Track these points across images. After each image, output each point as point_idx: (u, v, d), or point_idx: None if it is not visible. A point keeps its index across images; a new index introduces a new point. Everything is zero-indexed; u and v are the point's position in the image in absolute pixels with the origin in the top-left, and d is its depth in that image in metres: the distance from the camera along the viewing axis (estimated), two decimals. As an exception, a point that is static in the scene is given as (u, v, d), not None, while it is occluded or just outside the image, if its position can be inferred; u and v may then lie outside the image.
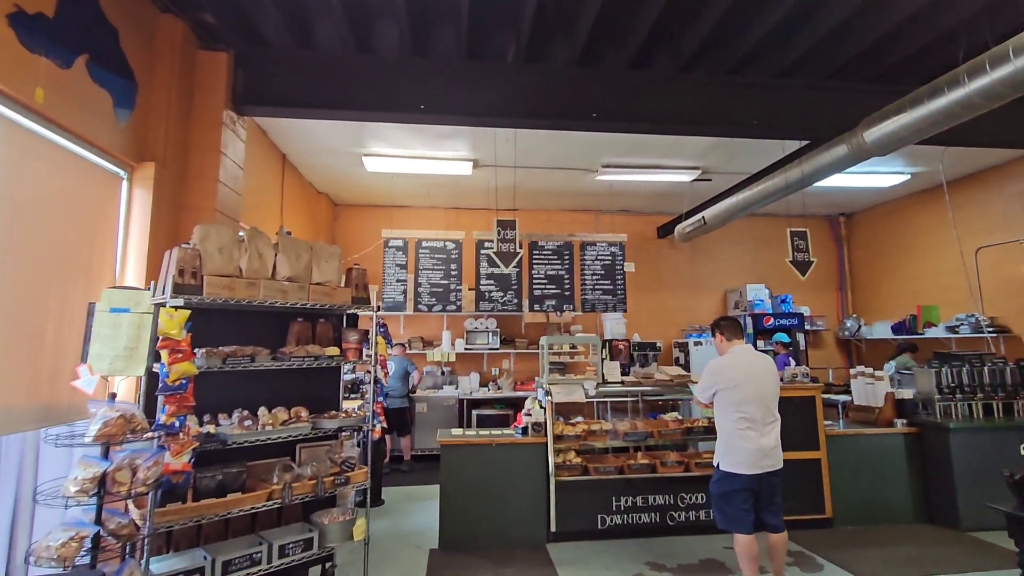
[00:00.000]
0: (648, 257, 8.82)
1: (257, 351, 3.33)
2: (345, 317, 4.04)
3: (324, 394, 3.86)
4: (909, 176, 7.08)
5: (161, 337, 2.81)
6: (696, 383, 4.75)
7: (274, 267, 3.48)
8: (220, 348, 3.26)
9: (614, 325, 7.99)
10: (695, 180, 6.98)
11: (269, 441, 3.29)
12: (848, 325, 8.51)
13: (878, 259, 8.59)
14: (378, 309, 4.00)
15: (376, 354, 3.89)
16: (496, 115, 4.32)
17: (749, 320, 8.07)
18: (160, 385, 2.81)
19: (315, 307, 3.52)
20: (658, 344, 7.91)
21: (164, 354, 2.82)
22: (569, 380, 4.90)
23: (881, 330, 7.99)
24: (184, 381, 2.86)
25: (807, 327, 8.31)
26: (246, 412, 3.50)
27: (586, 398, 4.82)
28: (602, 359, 5.14)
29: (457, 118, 4.33)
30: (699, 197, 7.55)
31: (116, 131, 3.34)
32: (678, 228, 7.45)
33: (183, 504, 2.93)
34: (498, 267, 6.64)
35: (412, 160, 6.24)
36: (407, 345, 7.14)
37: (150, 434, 2.79)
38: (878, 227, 8.58)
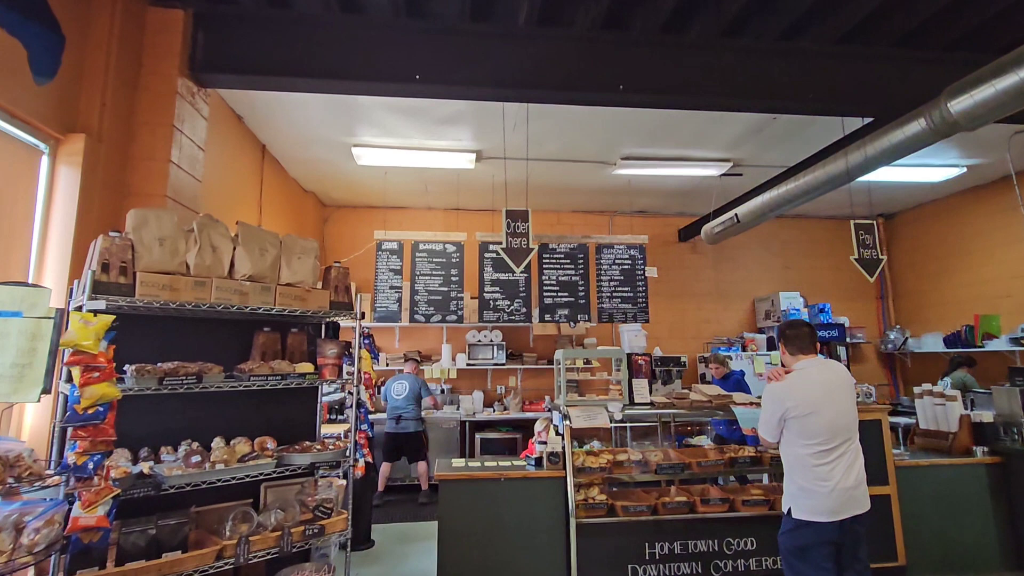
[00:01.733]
0: (669, 263, 8.39)
1: (206, 368, 2.73)
2: (324, 326, 3.53)
3: (297, 420, 3.34)
4: (964, 169, 6.50)
5: (71, 350, 2.17)
6: (741, 405, 4.32)
7: (232, 263, 2.90)
8: (159, 365, 2.65)
9: (633, 338, 7.49)
10: (724, 175, 6.55)
11: (222, 483, 2.66)
12: (892, 337, 8.03)
13: (924, 265, 8.09)
14: (362, 316, 3.42)
15: (359, 371, 3.34)
16: (504, 86, 3.77)
17: None
18: (68, 413, 2.17)
19: (284, 313, 3.00)
20: (682, 359, 7.40)
21: (75, 372, 2.19)
22: (591, 401, 4.38)
23: (931, 343, 7.44)
24: (102, 408, 2.22)
25: (847, 339, 7.82)
26: (196, 445, 2.92)
27: (611, 422, 4.22)
28: (629, 377, 4.49)
29: (458, 89, 3.78)
30: (727, 195, 7.12)
31: (33, 93, 2.76)
32: (706, 228, 6.95)
33: (100, 570, 2.28)
34: (504, 272, 6.20)
35: (408, 152, 5.84)
36: (418, 361, 6.76)
37: (55, 479, 2.14)
38: (924, 229, 8.09)
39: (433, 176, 6.73)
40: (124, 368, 2.54)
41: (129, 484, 2.44)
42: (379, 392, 7.26)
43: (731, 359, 7.48)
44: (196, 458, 2.77)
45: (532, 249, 4.15)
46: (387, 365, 7.46)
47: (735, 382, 5.59)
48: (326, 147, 5.84)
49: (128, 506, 2.54)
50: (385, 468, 6.22)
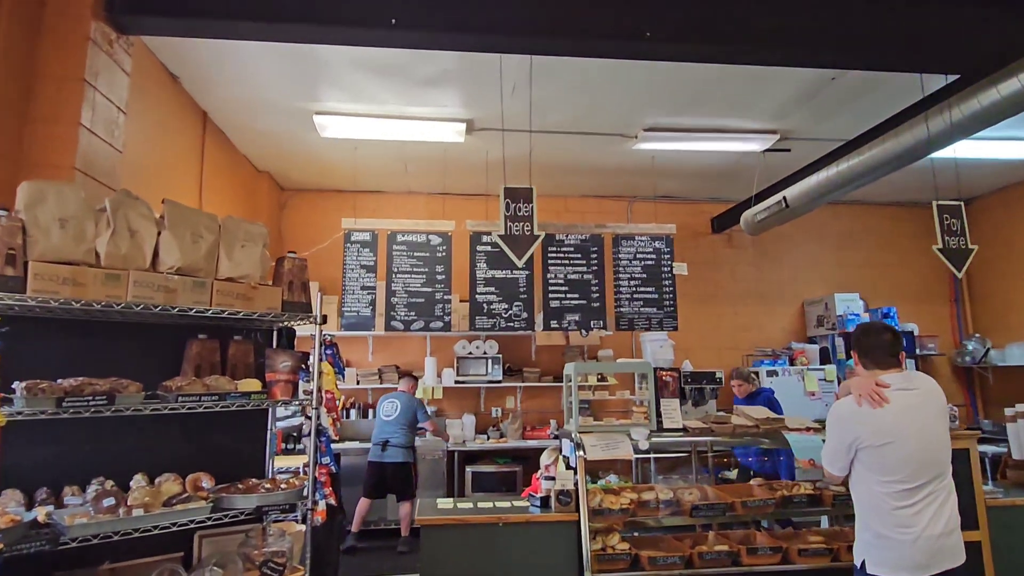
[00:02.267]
0: (700, 258, 8.32)
1: (120, 386, 2.54)
2: (275, 334, 3.39)
3: (241, 452, 3.19)
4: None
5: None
6: (795, 431, 4.19)
7: (156, 252, 2.75)
8: (58, 382, 2.46)
9: (657, 349, 7.45)
10: (769, 150, 6.48)
11: (144, 533, 2.48)
12: (970, 348, 7.96)
13: (1008, 261, 8.00)
14: (324, 321, 3.26)
15: (319, 390, 3.17)
16: (502, 33, 3.63)
17: (841, 341, 7.61)
18: (-67, 446, 1.97)
19: (224, 316, 2.84)
20: (717, 375, 7.36)
21: (-57, 392, 1.98)
22: (610, 427, 4.21)
23: (1018, 355, 7.43)
24: (-22, 438, 2.01)
25: (917, 351, 7.78)
26: (111, 484, 2.75)
27: (635, 453, 4.07)
28: (656, 396, 4.38)
29: (444, 37, 3.64)
30: (772, 175, 7.00)
31: None
32: (746, 215, 6.87)
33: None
34: (501, 269, 6.13)
35: (382, 121, 5.78)
36: (416, 378, 6.80)
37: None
38: (1010, 217, 7.99)
39: (414, 152, 6.69)
40: (13, 386, 2.35)
41: (18, 537, 2.24)
42: (347, 416, 7.21)
43: (776, 373, 7.45)
44: (109, 501, 2.57)
45: (538, 236, 4.04)
46: (357, 383, 7.39)
47: (765, 401, 5.58)
48: (283, 115, 5.76)
49: (18, 565, 2.34)
50: (363, 505, 6.17)
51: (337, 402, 3.47)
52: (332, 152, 6.67)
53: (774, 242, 8.55)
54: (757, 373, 7.28)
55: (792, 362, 7.69)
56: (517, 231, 4.01)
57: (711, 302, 8.38)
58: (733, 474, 5.91)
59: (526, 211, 4.04)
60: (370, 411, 7.50)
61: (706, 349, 8.16)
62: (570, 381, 4.38)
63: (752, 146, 6.37)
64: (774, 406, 5.49)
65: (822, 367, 7.48)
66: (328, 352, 3.32)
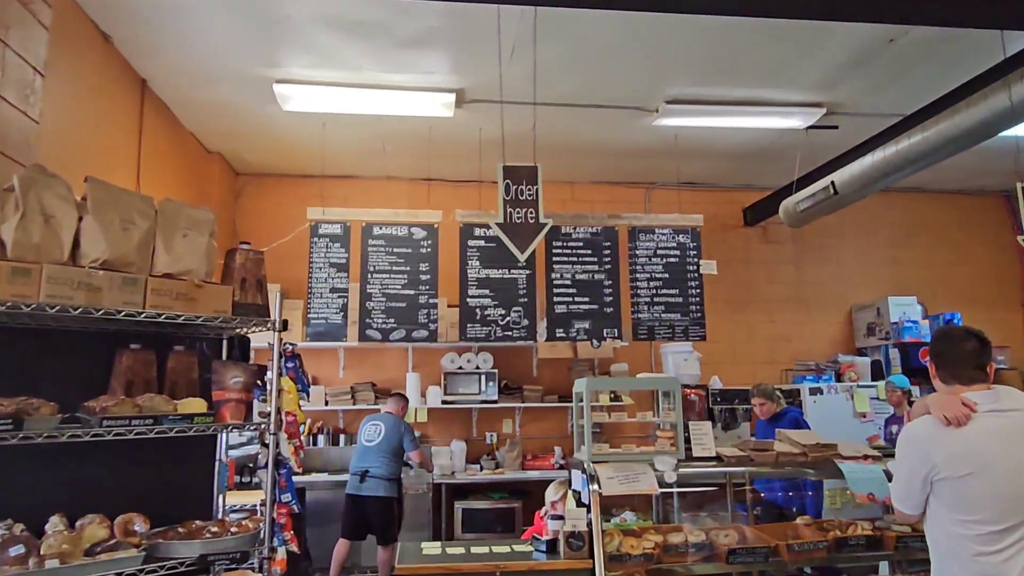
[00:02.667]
0: (730, 255, 8.27)
1: (28, 407, 2.44)
2: (225, 343, 3.36)
3: (183, 488, 3.14)
4: None
5: None
6: (851, 459, 4.15)
7: (76, 241, 2.68)
8: (-49, 401, 2.32)
9: (681, 363, 7.41)
10: (813, 127, 6.48)
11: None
12: None
13: None
14: (285, 327, 3.22)
15: (278, 412, 3.10)
16: None
17: (896, 353, 7.65)
18: None
19: (161, 320, 2.75)
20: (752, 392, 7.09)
21: None
22: (629, 455, 4.17)
23: None
24: None
25: None
26: (21, 528, 2.71)
27: (660, 487, 4.00)
28: (684, 420, 4.31)
29: None
30: (816, 156, 6.99)
31: None
32: (787, 204, 6.86)
33: None
34: (497, 267, 6.08)
35: (356, 92, 5.76)
36: (407, 399, 6.74)
37: None
38: None
39: (393, 129, 6.65)
40: None
41: None
42: (313, 443, 7.24)
43: (820, 391, 7.38)
44: (18, 550, 2.48)
45: (544, 224, 3.98)
46: (326, 403, 7.33)
47: (790, 422, 5.63)
48: (237, 84, 5.71)
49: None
50: (341, 548, 6.10)
51: (301, 426, 3.40)
52: (296, 129, 6.62)
53: (817, 236, 8.52)
54: (820, 390, 7.35)
55: (839, 378, 7.64)
56: (519, 218, 4.00)
57: (743, 307, 8.36)
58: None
59: (530, 194, 4.00)
60: (341, 437, 7.48)
61: (738, 363, 8.14)
62: (581, 401, 4.36)
63: (794, 122, 6.34)
64: (800, 427, 5.52)
65: (873, 384, 7.43)
66: (289, 366, 3.28)
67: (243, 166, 7.75)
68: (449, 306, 6.90)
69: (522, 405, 7.65)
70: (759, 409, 5.90)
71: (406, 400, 6.64)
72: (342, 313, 6.05)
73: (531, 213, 3.98)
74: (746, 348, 8.27)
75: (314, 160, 7.36)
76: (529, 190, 3.99)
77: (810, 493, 5.30)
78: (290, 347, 3.26)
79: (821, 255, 8.62)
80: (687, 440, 4.26)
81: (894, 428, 6.16)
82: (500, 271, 6.13)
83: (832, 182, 6.23)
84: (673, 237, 6.50)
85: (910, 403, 6.49)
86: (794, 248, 8.57)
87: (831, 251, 8.65)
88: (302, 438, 3.52)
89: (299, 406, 3.32)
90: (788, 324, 8.43)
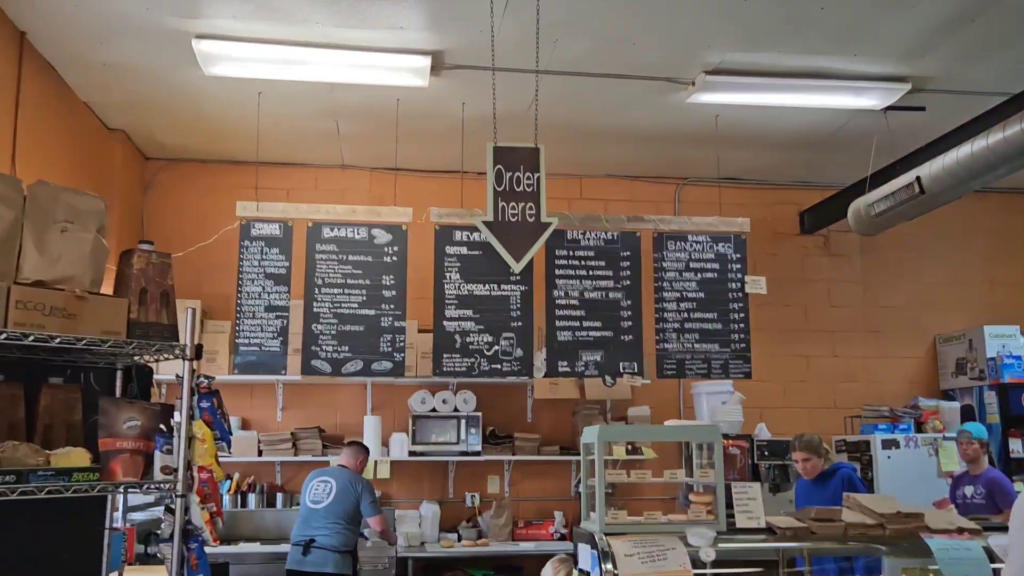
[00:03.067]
0: (781, 271, 8.27)
1: None
2: (120, 375, 3.38)
3: (60, 565, 3.16)
4: None
5: None
6: (942, 533, 4.10)
7: None
8: None
9: (718, 406, 7.44)
10: (893, 107, 6.52)
11: None
12: None
13: None
14: (200, 353, 3.23)
15: (188, 467, 3.06)
16: None
17: (993, 396, 7.68)
18: None
19: (28, 344, 2.67)
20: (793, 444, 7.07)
21: None
22: (654, 525, 4.16)
23: None
24: None
25: None
26: None
27: (693, 568, 3.93)
28: (725, 481, 4.29)
29: None
30: (895, 147, 6.98)
31: None
32: (858, 205, 6.83)
33: None
34: (483, 281, 6.01)
35: (302, 51, 5.75)
36: (366, 449, 6.76)
37: None
38: None
39: (350, 103, 6.62)
40: None
41: None
42: (241, 503, 7.25)
43: (897, 444, 7.35)
44: None
45: (547, 224, 3.93)
46: (260, 454, 7.28)
47: (844, 482, 5.70)
48: (145, 40, 5.66)
49: None
50: None
51: (220, 484, 3.37)
52: (223, 100, 6.56)
53: (893, 248, 8.51)
54: (895, 442, 7.37)
55: (919, 427, 7.58)
56: (514, 216, 4.04)
57: (798, 337, 8.32)
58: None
59: (529, 185, 4.07)
60: (279, 496, 7.44)
61: (790, 407, 8.11)
62: (591, 454, 4.35)
63: (869, 100, 6.34)
64: (856, 489, 5.49)
65: (967, 429, 7.03)
66: (204, 406, 3.22)
67: (155, 148, 7.70)
68: (420, 331, 6.93)
69: (513, 458, 7.58)
70: (801, 466, 5.93)
71: (365, 451, 6.61)
72: (281, 338, 5.98)
73: (530, 209, 3.99)
74: (801, 389, 8.21)
75: (247, 142, 7.24)
76: (528, 180, 4.01)
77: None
78: (205, 381, 3.21)
79: (898, 272, 8.57)
80: (728, 506, 4.28)
81: (968, 490, 6.22)
82: (487, 286, 6.07)
83: (917, 178, 6.17)
84: (711, 246, 6.48)
85: (992, 461, 6.67)
86: (863, 263, 8.52)
87: (910, 267, 8.62)
88: (223, 499, 3.45)
89: (217, 459, 3.26)
90: (855, 359, 8.37)
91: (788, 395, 8.15)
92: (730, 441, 7.19)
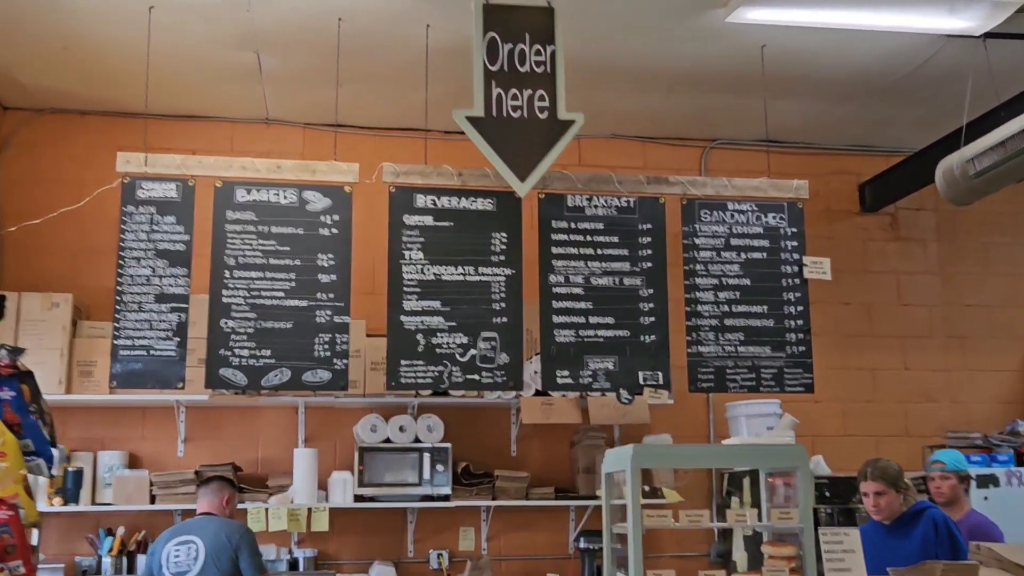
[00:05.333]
0: (838, 258, 7.59)
1: None
2: None
3: None
4: None
5: None
6: None
7: None
8: None
9: (761, 430, 7.09)
10: (993, 34, 6.13)
11: None
12: None
13: None
14: (17, 352, 2.77)
15: None
16: None
17: None
18: None
19: None
20: (863, 474, 6.94)
21: None
22: None
23: None
24: None
25: None
26: None
27: None
28: (814, 527, 4.08)
29: None
30: (997, 89, 6.62)
31: None
32: (951, 163, 6.35)
33: None
34: (455, 262, 5.96)
35: None
36: (235, 485, 6.41)
37: None
38: None
39: (277, 25, 6.14)
40: None
41: None
42: (127, 569, 6.72)
43: (996, 481, 7.13)
44: None
45: (569, 124, 3.79)
46: (152, 500, 6.73)
47: (934, 529, 5.34)
48: None
49: None
50: None
51: (31, 531, 3.16)
52: (101, 16, 6.04)
53: (978, 229, 8.37)
54: (993, 479, 7.16)
55: (1021, 459, 7.38)
56: (516, 110, 3.71)
57: (859, 344, 8.06)
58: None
59: (539, 62, 3.81)
60: None
61: (852, 436, 7.82)
62: (619, 494, 4.25)
63: (960, 22, 5.90)
64: (954, 540, 5.22)
65: None
66: (7, 396, 2.93)
67: (13, 94, 7.20)
68: (370, 335, 6.71)
69: (493, 503, 7.13)
70: (872, 502, 5.48)
71: (231, 487, 6.15)
72: (177, 339, 5.70)
73: (541, 100, 3.70)
74: (865, 411, 7.93)
75: (135, 83, 6.74)
76: (537, 55, 3.81)
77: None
78: (7, 356, 2.82)
79: (985, 261, 8.39)
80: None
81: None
82: (461, 269, 5.96)
83: (1032, 127, 5.91)
84: (758, 217, 6.34)
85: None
86: (941, 250, 8.33)
87: (1001, 255, 8.45)
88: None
89: (28, 489, 2.91)
90: (933, 373, 8.15)
91: (849, 419, 7.87)
92: (777, 477, 6.59)
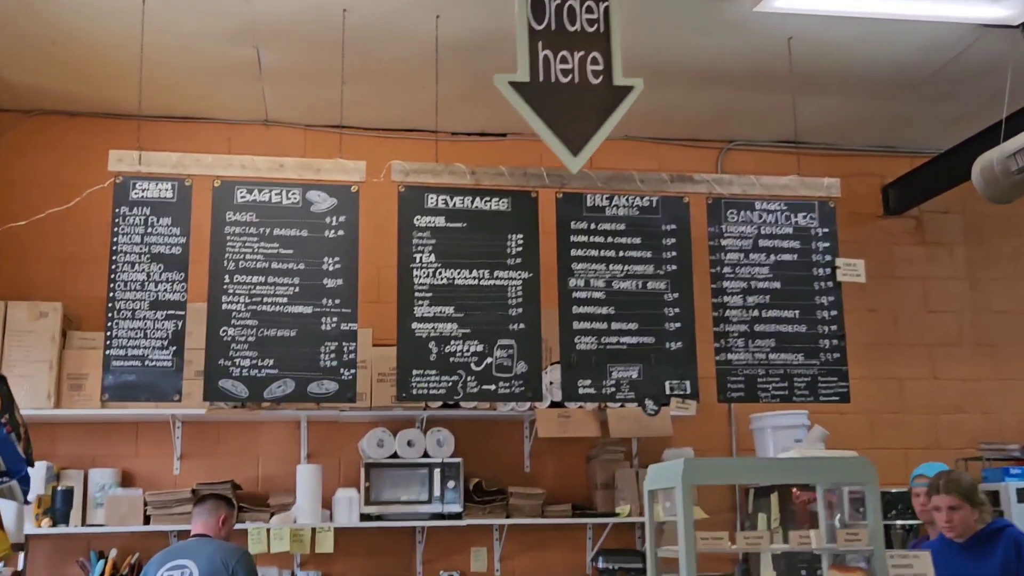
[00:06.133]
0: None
1: None
2: None
3: None
4: None
5: None
6: None
7: None
8: None
9: (789, 443, 6.93)
10: None
11: None
12: None
13: None
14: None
15: None
16: None
17: None
18: None
19: None
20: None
21: None
22: None
23: None
24: None
25: None
26: None
27: None
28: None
29: None
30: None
31: None
32: (990, 157, 6.21)
33: None
34: (468, 265, 5.87)
35: None
36: (225, 504, 6.06)
37: None
38: None
39: (278, 17, 6.01)
40: None
41: None
42: None
43: None
44: None
45: (626, 90, 3.83)
46: (147, 520, 6.55)
47: (1015, 549, 5.09)
48: None
49: None
50: None
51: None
52: (92, 9, 5.93)
53: (1007, 232, 8.30)
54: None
55: None
56: (566, 73, 3.46)
57: (886, 352, 7.94)
58: None
59: (591, 20, 3.55)
60: None
61: (880, 448, 7.48)
62: (661, 507, 4.16)
63: (999, 10, 5.80)
64: None
65: None
66: None
67: (2, 94, 7.15)
68: (376, 344, 6.58)
69: (507, 522, 6.98)
70: (946, 517, 5.16)
71: (228, 505, 5.95)
72: (173, 348, 5.51)
73: (594, 63, 3.60)
74: (893, 423, 7.79)
75: (128, 82, 6.59)
76: (589, 12, 3.71)
77: None
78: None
79: (1015, 266, 8.30)
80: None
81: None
82: (475, 273, 5.84)
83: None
84: (787, 217, 6.24)
85: None
86: (969, 254, 8.22)
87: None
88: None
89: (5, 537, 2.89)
90: (962, 382, 8.01)
91: (877, 431, 7.68)
92: (803, 491, 6.49)
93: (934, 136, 7.74)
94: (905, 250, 8.09)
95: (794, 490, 6.58)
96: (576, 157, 3.85)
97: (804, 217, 6.19)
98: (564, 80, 3.63)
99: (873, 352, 7.81)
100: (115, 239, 5.53)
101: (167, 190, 5.62)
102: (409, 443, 6.79)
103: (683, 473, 3.56)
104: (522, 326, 5.80)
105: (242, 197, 5.69)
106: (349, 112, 6.82)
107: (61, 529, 6.04)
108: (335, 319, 5.66)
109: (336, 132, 7.01)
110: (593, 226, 5.96)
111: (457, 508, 6.74)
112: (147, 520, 6.46)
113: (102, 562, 6.34)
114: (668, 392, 5.81)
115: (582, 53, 3.68)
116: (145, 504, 6.50)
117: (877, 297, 7.86)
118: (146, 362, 5.44)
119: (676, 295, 5.96)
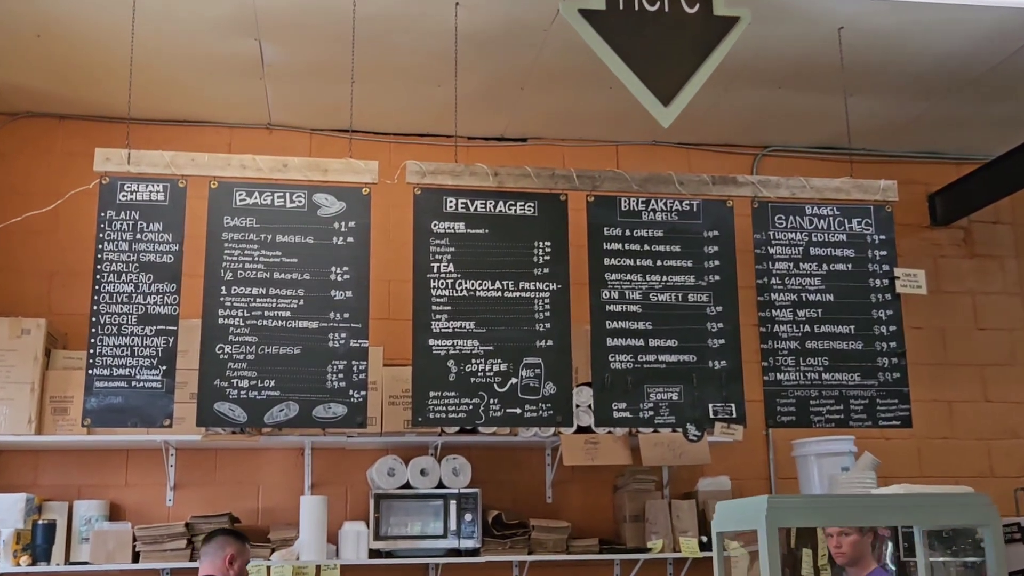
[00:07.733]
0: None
1: None
2: None
3: None
4: None
5: None
6: None
7: None
8: None
9: (836, 472, 6.69)
10: None
11: None
12: None
13: None
14: None
15: None
16: None
17: None
18: None
19: None
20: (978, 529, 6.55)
21: None
22: None
23: None
24: None
25: None
26: None
27: None
28: None
29: None
30: None
31: None
32: None
33: None
34: (490, 276, 5.73)
35: None
36: (233, 539, 5.90)
37: None
38: None
39: (281, 10, 5.82)
40: None
41: None
42: None
43: None
44: None
45: (731, 22, 3.84)
46: (137, 559, 6.31)
47: None
48: None
49: None
50: None
51: None
52: (78, 1, 5.76)
53: None
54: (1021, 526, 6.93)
55: None
56: (652, 2, 3.40)
57: (934, 373, 7.56)
58: None
59: None
60: None
61: (929, 477, 7.24)
62: (736, 552, 5.10)
63: None
64: None
65: None
66: None
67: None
68: (387, 365, 6.38)
69: (529, 558, 6.58)
70: None
71: (237, 540, 5.72)
72: (164, 367, 5.24)
73: None
74: (943, 449, 7.46)
75: (116, 81, 6.37)
76: None
77: None
78: None
79: None
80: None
81: None
82: (498, 283, 5.62)
83: None
84: (841, 223, 5.98)
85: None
86: (1020, 267, 8.00)
87: None
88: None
89: None
90: (1016, 404, 7.75)
91: (925, 458, 7.39)
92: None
93: (983, 141, 7.57)
94: (953, 263, 7.89)
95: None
96: (667, 108, 3.71)
97: (859, 223, 5.94)
98: (651, 8, 3.32)
99: (920, 372, 7.37)
100: (100, 246, 5.26)
101: (158, 192, 5.37)
102: (422, 472, 6.54)
103: (767, 514, 3.12)
104: (550, 343, 5.54)
105: (241, 200, 5.43)
106: (359, 114, 6.64)
107: (42, 568, 5.74)
108: (344, 335, 5.40)
109: (344, 137, 6.78)
110: (628, 232, 5.73)
111: (475, 543, 6.44)
112: (136, 557, 6.15)
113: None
114: (712, 416, 5.57)
115: (672, -24, 3.47)
116: (134, 539, 6.19)
117: (923, 313, 7.59)
118: (133, 383, 5.18)
119: (720, 308, 5.72)
